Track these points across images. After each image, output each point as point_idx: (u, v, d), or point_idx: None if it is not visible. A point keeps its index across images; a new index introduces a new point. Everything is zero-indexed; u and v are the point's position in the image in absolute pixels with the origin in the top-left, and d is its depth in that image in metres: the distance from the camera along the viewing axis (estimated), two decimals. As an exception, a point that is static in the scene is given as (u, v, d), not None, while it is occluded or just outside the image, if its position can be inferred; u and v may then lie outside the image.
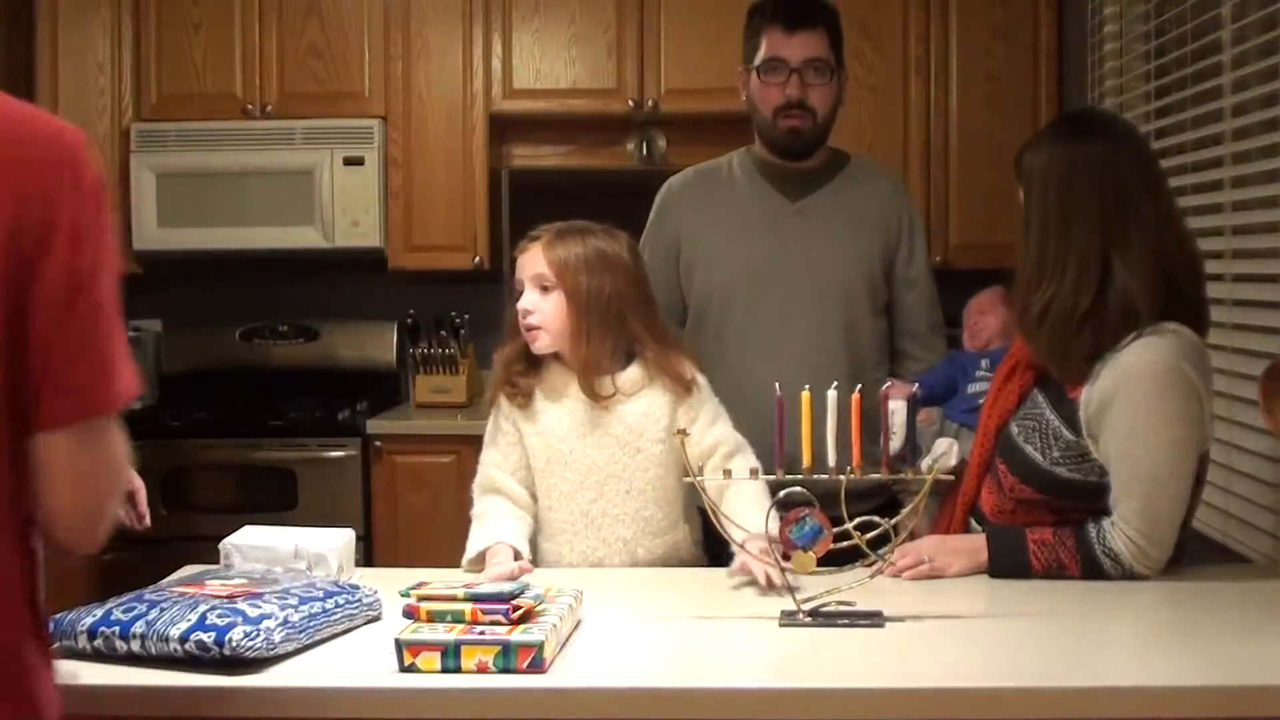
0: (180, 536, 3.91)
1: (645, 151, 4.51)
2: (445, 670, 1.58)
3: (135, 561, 3.65)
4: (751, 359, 2.56)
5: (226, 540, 1.98)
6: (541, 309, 2.20)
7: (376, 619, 1.82)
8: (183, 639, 1.59)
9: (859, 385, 1.88)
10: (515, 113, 4.37)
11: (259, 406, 4.26)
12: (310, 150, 4.24)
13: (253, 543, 1.97)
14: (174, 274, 4.54)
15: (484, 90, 4.31)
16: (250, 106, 4.30)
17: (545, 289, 2.20)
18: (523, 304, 2.22)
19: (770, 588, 1.94)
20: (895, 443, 2.06)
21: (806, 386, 1.87)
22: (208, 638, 1.58)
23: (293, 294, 4.60)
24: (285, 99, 4.30)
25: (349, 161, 4.24)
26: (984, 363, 2.71)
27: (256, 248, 4.29)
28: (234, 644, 1.57)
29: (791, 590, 1.85)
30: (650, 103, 4.26)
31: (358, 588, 1.83)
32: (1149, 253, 2.02)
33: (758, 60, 2.64)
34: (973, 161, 4.16)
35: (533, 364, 2.26)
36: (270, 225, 4.26)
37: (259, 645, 1.58)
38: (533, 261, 2.22)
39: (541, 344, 2.22)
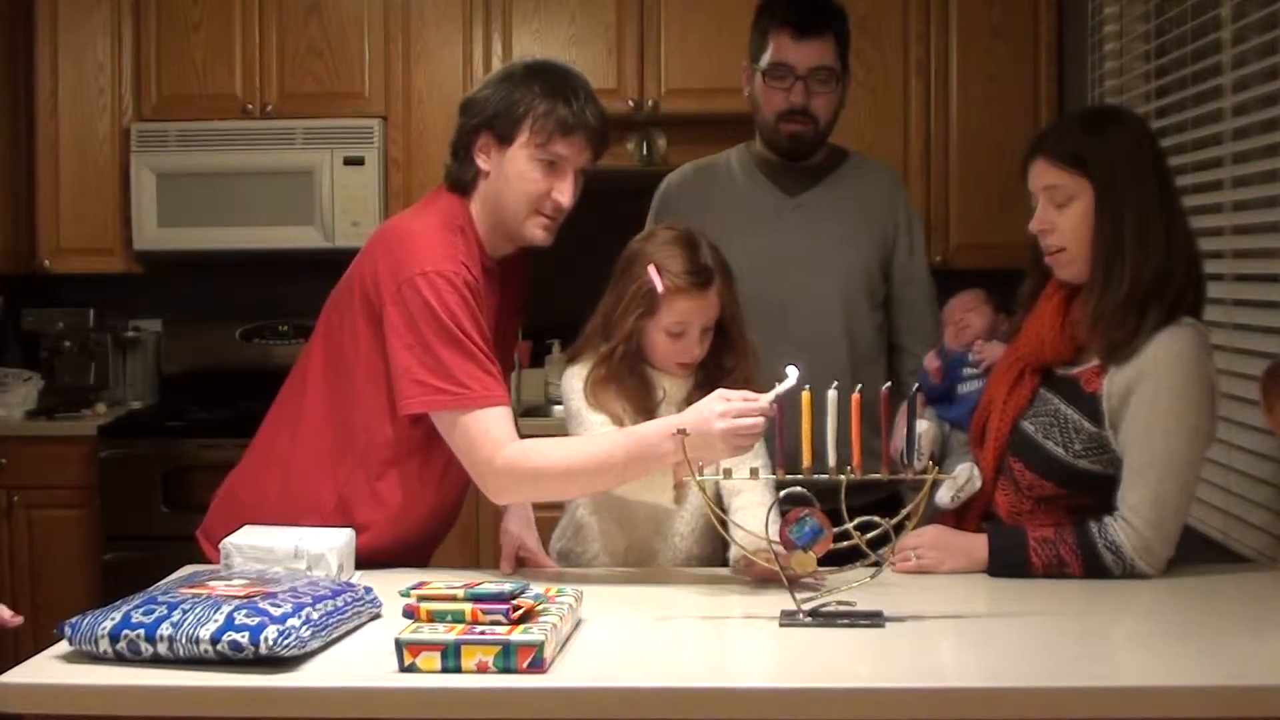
0: (180, 536, 3.85)
1: (645, 151, 4.50)
2: (445, 670, 1.58)
3: (135, 561, 3.67)
4: None
5: (226, 540, 1.98)
6: (704, 346, 2.24)
7: (377, 616, 1.83)
8: (214, 639, 1.58)
9: (859, 385, 1.86)
10: (515, 113, 4.36)
11: (259, 406, 4.21)
12: (310, 150, 4.24)
13: (253, 543, 1.97)
14: (174, 274, 4.54)
15: (484, 90, 4.30)
16: (250, 106, 4.30)
17: (708, 328, 2.24)
18: (698, 349, 2.22)
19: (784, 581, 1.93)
20: (913, 455, 2.02)
21: (806, 386, 1.87)
22: (241, 638, 1.58)
23: (293, 294, 4.58)
24: (285, 99, 4.30)
25: (349, 161, 4.24)
26: (970, 356, 2.69)
27: (256, 248, 4.30)
28: (270, 643, 1.57)
29: (792, 590, 1.86)
30: (650, 103, 4.26)
31: (356, 587, 1.83)
32: (1183, 235, 2.07)
33: (764, 63, 2.61)
34: (973, 161, 4.15)
35: (633, 373, 2.25)
36: (270, 225, 4.27)
37: (292, 644, 1.59)
38: (707, 309, 2.22)
39: (689, 370, 2.26)
